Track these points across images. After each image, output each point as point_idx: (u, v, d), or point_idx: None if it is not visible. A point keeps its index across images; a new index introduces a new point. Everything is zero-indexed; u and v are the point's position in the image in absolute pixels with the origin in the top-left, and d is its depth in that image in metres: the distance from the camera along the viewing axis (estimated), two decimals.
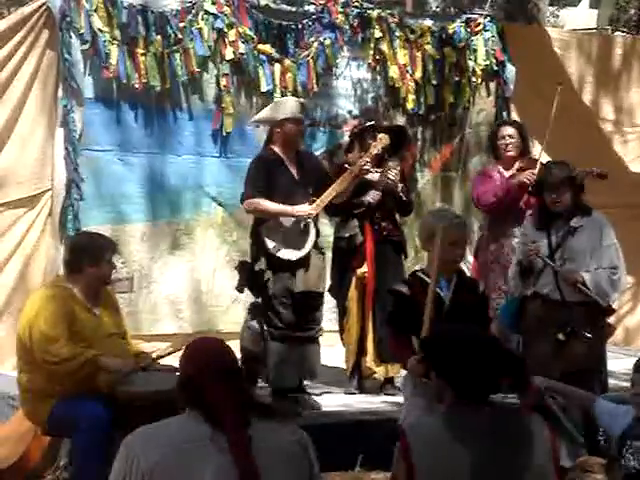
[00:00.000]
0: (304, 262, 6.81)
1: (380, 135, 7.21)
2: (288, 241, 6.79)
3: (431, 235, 5.19)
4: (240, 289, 7.04)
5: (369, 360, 7.31)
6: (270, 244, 6.78)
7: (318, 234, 7.11)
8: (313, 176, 6.96)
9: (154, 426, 3.14)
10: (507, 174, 7.56)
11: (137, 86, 8.09)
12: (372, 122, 7.45)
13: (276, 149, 6.91)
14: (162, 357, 5.67)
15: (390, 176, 7.28)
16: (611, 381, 6.80)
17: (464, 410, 3.15)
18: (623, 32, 13.44)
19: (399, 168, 7.43)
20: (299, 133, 6.97)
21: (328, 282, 7.39)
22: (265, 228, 6.83)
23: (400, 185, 7.38)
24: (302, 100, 7.16)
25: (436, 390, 3.32)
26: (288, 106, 6.93)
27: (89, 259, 5.41)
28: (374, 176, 7.28)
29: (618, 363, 8.01)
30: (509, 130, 7.68)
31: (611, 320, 6.72)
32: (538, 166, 7.23)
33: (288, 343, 6.78)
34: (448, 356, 3.26)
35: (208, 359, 3.19)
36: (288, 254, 6.78)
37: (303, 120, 7.00)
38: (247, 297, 8.09)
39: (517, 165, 7.58)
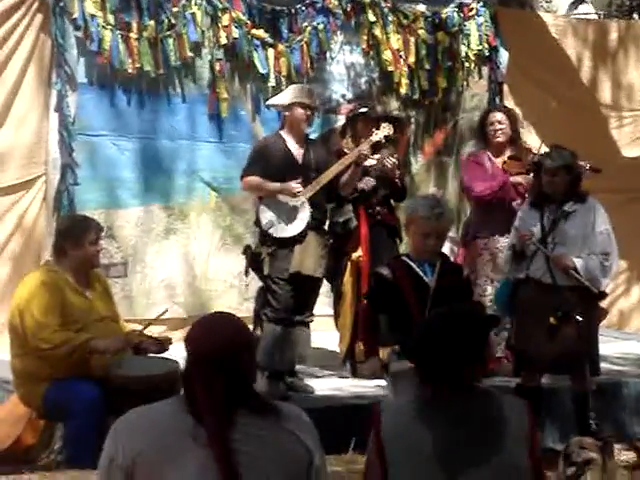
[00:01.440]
0: (299, 243, 6.79)
1: (384, 124, 7.22)
2: (281, 219, 6.80)
3: (409, 222, 5.39)
4: (246, 273, 7.05)
5: (363, 345, 7.31)
6: (263, 220, 6.81)
7: (324, 220, 7.14)
8: (318, 163, 6.96)
9: (143, 410, 3.03)
10: (498, 161, 7.46)
11: (131, 71, 8.09)
12: (365, 109, 7.48)
13: (283, 133, 6.97)
14: (146, 327, 5.74)
15: (388, 164, 7.27)
16: (604, 365, 6.82)
17: (437, 394, 3.14)
18: (616, 17, 13.44)
19: (396, 155, 7.45)
20: (306, 118, 6.96)
21: None
22: (262, 205, 6.87)
23: (398, 172, 7.40)
24: (309, 86, 7.15)
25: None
26: (297, 91, 7.00)
27: (72, 242, 5.42)
28: (370, 162, 7.28)
29: (611, 346, 8.05)
30: (498, 116, 7.55)
31: (603, 304, 6.73)
32: (530, 163, 7.14)
33: (282, 325, 6.76)
34: (419, 341, 3.24)
35: (207, 343, 2.97)
36: (279, 232, 6.79)
37: (311, 106, 7.00)
38: (242, 282, 8.13)
39: (508, 153, 7.48)
